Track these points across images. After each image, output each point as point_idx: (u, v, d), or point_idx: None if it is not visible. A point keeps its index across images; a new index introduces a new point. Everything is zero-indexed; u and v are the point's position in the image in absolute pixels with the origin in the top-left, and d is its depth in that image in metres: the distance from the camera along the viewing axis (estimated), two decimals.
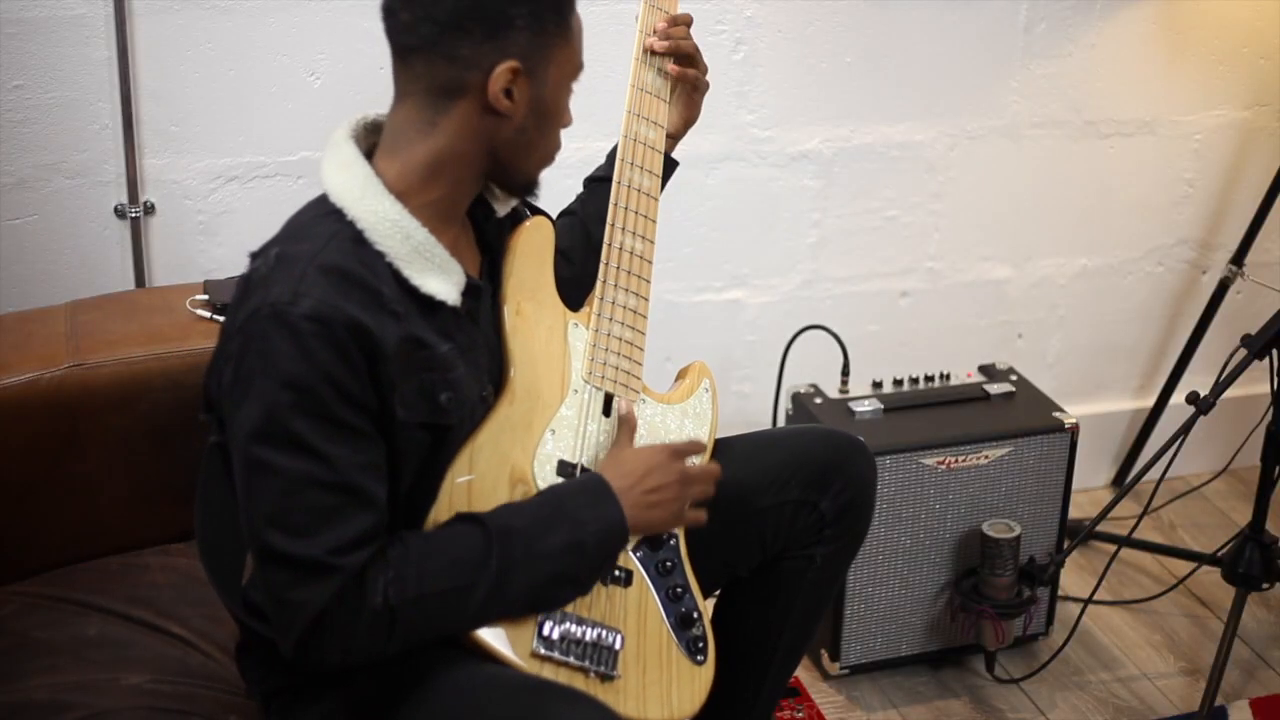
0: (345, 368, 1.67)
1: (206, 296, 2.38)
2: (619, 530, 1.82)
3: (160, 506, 2.29)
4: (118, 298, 2.47)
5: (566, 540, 1.78)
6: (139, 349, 2.26)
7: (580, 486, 1.85)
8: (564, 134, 2.77)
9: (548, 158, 1.87)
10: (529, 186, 1.89)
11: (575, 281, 2.02)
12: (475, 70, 1.74)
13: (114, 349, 2.25)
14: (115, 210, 2.63)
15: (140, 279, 2.66)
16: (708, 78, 2.13)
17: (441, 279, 1.78)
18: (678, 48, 2.06)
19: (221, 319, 1.89)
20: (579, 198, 2.20)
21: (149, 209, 2.64)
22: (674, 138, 2.14)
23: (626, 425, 1.94)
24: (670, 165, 2.15)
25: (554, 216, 2.07)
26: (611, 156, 2.18)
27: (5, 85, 2.51)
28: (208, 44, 2.59)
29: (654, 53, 2.05)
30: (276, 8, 2.60)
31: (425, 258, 1.77)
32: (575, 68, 1.83)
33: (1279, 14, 3.22)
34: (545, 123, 1.82)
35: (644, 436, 1.97)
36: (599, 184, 2.17)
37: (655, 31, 2.05)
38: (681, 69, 2.07)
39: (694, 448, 1.95)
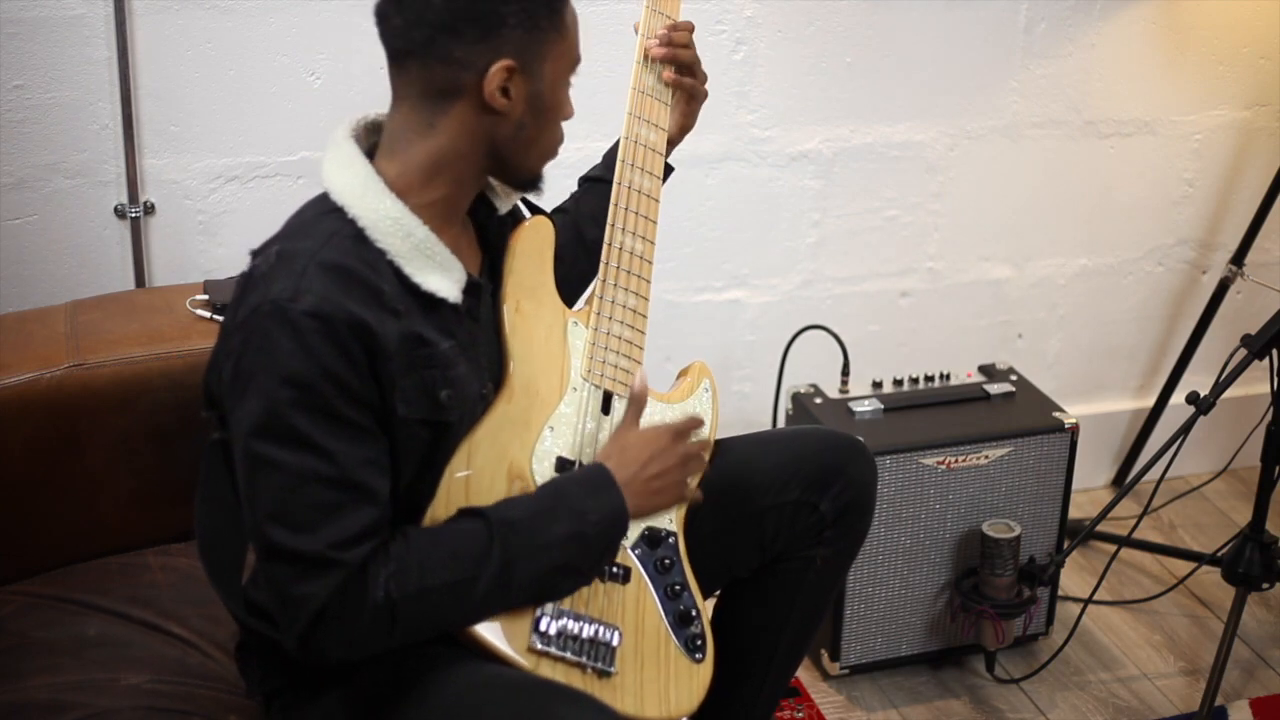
0: (346, 364, 1.68)
1: (206, 296, 2.38)
2: (620, 519, 1.83)
3: (160, 506, 2.29)
4: (118, 298, 2.47)
5: (568, 530, 1.78)
6: (139, 349, 2.26)
7: (581, 476, 1.85)
8: (564, 135, 2.75)
9: (550, 151, 1.87)
10: (532, 182, 1.89)
11: (567, 280, 2.02)
12: (470, 71, 1.74)
13: (114, 349, 2.25)
14: (115, 210, 2.63)
15: (140, 279, 2.66)
16: (707, 84, 2.12)
17: (442, 276, 1.78)
18: (675, 56, 2.05)
19: (221, 319, 1.89)
20: (573, 196, 2.20)
21: (149, 209, 2.64)
22: (670, 143, 2.13)
23: (635, 403, 1.93)
24: (666, 170, 2.15)
25: (552, 215, 2.06)
26: (607, 157, 2.18)
27: (5, 85, 2.51)
28: (208, 44, 2.59)
29: (652, 59, 2.05)
30: (276, 8, 2.61)
31: (426, 255, 1.77)
32: (572, 61, 1.83)
33: (1279, 14, 3.22)
34: (544, 118, 1.82)
35: None
36: (594, 184, 2.17)
37: (656, 37, 2.05)
38: (677, 77, 2.06)
39: (694, 423, 1.95)
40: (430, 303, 1.78)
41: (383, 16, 1.77)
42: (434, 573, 1.71)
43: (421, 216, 1.77)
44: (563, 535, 1.78)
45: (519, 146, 1.82)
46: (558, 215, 2.16)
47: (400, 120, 1.79)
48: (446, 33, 1.72)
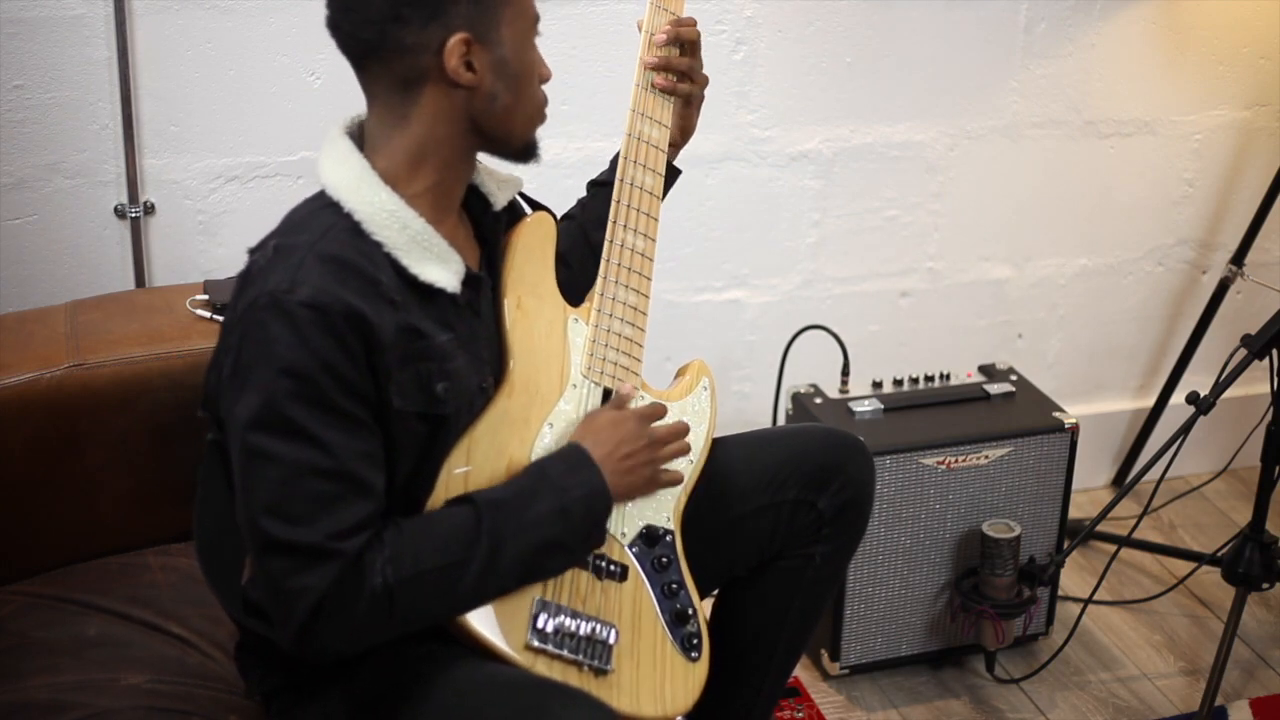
0: (343, 355, 1.68)
1: (206, 296, 2.38)
2: (602, 494, 1.83)
3: (160, 506, 2.29)
4: (118, 298, 2.47)
5: (551, 506, 1.79)
6: (139, 349, 2.26)
7: (559, 455, 1.85)
8: (564, 134, 2.76)
9: (535, 115, 1.87)
10: (527, 150, 1.88)
11: (573, 285, 2.02)
12: (426, 54, 1.75)
13: (114, 349, 2.25)
14: (115, 210, 2.63)
15: (140, 279, 2.66)
16: (706, 87, 2.12)
17: (441, 268, 1.79)
18: (670, 63, 2.04)
19: (221, 319, 1.89)
20: (580, 201, 2.20)
21: (149, 209, 2.64)
22: (674, 147, 2.13)
23: (617, 400, 1.92)
24: (673, 173, 2.15)
25: (553, 212, 2.06)
26: (614, 161, 2.18)
27: (5, 85, 2.51)
28: (208, 44, 2.59)
29: (646, 66, 2.03)
30: (276, 8, 2.61)
31: (423, 247, 1.77)
32: (529, 20, 1.83)
33: (1279, 14, 3.22)
34: (516, 83, 1.81)
35: None
36: (601, 188, 2.16)
37: (664, 32, 2.03)
38: (672, 82, 2.05)
39: (658, 410, 1.94)
40: (428, 295, 1.78)
41: (334, 27, 1.78)
42: (427, 557, 1.71)
43: (416, 208, 1.78)
44: (546, 511, 1.78)
45: (498, 117, 1.81)
46: (564, 221, 2.16)
47: (376, 118, 1.81)
48: (394, 23, 1.73)
